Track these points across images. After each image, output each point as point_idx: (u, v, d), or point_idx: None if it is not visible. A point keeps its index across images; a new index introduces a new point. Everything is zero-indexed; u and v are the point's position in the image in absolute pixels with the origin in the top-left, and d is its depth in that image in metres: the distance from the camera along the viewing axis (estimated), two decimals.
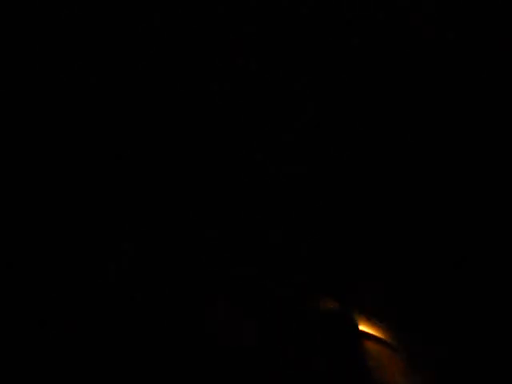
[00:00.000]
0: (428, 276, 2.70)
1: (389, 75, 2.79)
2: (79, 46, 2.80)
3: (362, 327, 2.70)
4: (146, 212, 2.74)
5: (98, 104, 2.79)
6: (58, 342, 2.66)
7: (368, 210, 2.74)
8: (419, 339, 2.65)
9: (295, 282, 2.71)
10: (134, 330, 2.68)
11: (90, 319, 2.68)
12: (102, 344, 2.67)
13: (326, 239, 2.73)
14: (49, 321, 2.67)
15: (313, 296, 2.70)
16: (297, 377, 2.65)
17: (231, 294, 2.71)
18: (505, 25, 2.74)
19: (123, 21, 2.81)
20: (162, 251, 2.73)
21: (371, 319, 2.69)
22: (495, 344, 2.63)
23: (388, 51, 2.79)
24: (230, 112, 2.79)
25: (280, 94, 2.80)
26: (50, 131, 2.78)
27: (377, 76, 2.79)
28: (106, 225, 2.74)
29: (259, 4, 2.80)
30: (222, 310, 2.70)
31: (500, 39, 2.75)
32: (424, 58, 2.78)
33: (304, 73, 2.80)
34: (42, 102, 2.79)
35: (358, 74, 2.79)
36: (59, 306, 2.69)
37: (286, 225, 2.74)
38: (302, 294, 2.70)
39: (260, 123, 2.79)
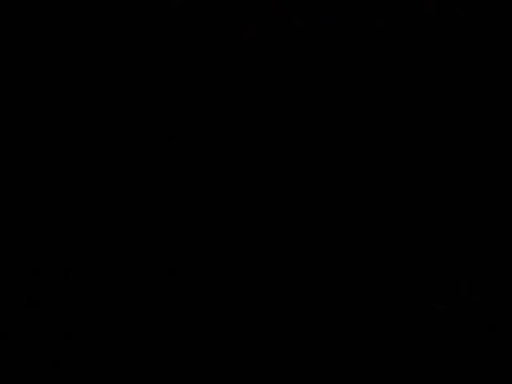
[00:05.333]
0: (429, 274, 2.71)
1: (389, 75, 2.79)
2: (79, 46, 2.80)
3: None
4: (146, 212, 2.74)
5: (97, 104, 2.79)
6: (58, 342, 2.66)
7: (369, 210, 2.74)
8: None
9: (298, 282, 2.71)
10: (134, 329, 2.68)
11: (90, 319, 2.68)
12: (102, 344, 2.66)
13: (327, 239, 2.73)
14: (49, 321, 2.67)
15: (316, 295, 2.70)
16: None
17: (232, 293, 2.70)
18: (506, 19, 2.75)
19: (123, 20, 2.81)
20: (162, 251, 2.72)
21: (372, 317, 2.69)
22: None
23: (388, 54, 2.80)
24: (229, 112, 2.80)
25: (280, 94, 2.80)
26: (50, 131, 2.78)
27: (377, 76, 2.79)
28: (106, 224, 2.73)
29: (259, 4, 2.80)
30: None
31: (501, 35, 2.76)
32: (423, 64, 2.79)
33: (304, 72, 2.81)
34: (42, 102, 2.79)
35: (358, 73, 2.80)
36: (59, 306, 2.68)
37: (286, 225, 2.74)
38: (305, 293, 2.70)
39: (260, 123, 2.79)
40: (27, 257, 2.70)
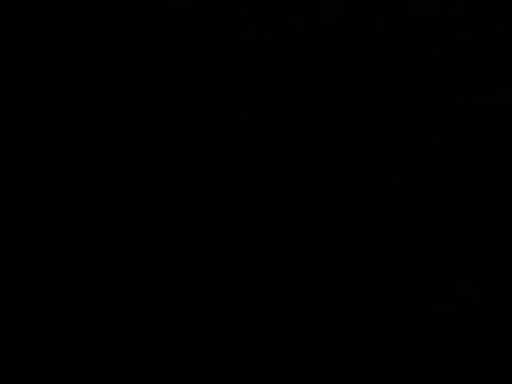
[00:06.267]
0: (429, 274, 2.71)
1: (389, 75, 2.80)
2: (79, 46, 2.80)
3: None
4: (146, 212, 2.74)
5: (97, 104, 2.79)
6: (58, 342, 2.66)
7: (369, 210, 2.74)
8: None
9: (298, 282, 2.71)
10: (134, 329, 2.68)
11: (91, 319, 2.68)
12: (102, 344, 2.66)
13: (327, 239, 2.73)
14: (49, 321, 2.67)
15: (316, 295, 2.70)
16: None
17: (232, 293, 2.71)
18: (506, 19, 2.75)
19: (123, 20, 2.81)
20: (162, 251, 2.73)
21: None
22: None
23: (388, 54, 2.80)
24: (229, 112, 2.80)
25: (280, 94, 2.80)
26: (50, 131, 2.78)
27: (377, 76, 2.79)
28: (106, 224, 2.74)
29: (259, 4, 2.80)
30: None
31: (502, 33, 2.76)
32: (423, 64, 2.79)
33: (304, 72, 2.81)
34: (42, 102, 2.79)
35: (358, 73, 2.80)
36: (59, 306, 2.68)
37: (286, 224, 2.74)
38: (304, 294, 2.70)
39: (260, 123, 2.79)
40: (27, 257, 2.70)
